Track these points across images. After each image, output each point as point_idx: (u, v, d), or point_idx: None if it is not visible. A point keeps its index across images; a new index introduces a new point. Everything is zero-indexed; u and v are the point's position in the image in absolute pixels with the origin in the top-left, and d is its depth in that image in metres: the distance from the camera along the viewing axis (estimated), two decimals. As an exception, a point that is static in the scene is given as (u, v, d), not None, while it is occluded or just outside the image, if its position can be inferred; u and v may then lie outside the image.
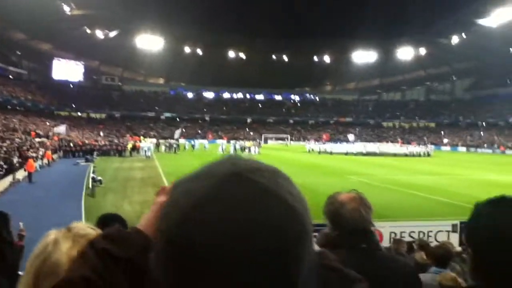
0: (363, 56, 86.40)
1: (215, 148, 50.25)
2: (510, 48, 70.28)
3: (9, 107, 55.23)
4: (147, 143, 49.03)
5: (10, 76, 65.67)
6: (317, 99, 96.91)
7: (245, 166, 0.58)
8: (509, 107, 74.17)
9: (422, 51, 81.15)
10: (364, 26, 64.72)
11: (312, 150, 52.20)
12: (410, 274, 2.02)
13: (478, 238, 1.28)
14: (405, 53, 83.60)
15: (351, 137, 74.25)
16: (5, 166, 23.24)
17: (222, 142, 57.75)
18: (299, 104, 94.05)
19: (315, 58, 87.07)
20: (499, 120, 73.90)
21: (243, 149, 51.26)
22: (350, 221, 1.92)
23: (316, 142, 61.23)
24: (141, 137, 60.99)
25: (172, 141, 55.24)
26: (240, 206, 0.52)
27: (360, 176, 26.05)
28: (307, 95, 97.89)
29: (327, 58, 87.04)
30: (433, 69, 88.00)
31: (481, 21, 65.85)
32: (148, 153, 42.13)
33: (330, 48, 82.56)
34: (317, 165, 34.06)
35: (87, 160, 35.09)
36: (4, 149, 28.23)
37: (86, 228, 1.18)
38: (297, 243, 0.53)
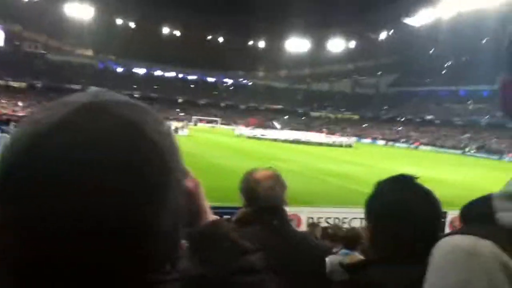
0: (297, 44, 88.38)
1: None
2: (431, 49, 75.24)
3: None
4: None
5: None
6: (249, 84, 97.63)
7: (109, 97, 0.52)
8: (426, 104, 79.60)
9: (352, 44, 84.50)
10: (300, 14, 66.06)
11: (241, 134, 52.84)
12: (316, 251, 2.10)
13: (377, 213, 1.43)
14: (336, 44, 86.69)
15: (277, 124, 75.72)
16: None
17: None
18: (231, 88, 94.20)
19: (250, 42, 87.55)
20: (416, 117, 79.00)
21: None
22: (264, 198, 1.96)
23: (246, 127, 61.96)
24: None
25: None
26: (95, 137, 0.45)
27: (285, 162, 26.97)
28: (240, 79, 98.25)
29: (262, 43, 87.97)
30: (360, 63, 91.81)
31: (407, 20, 69.81)
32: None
33: (266, 33, 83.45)
34: (244, 150, 34.66)
35: (2, 131, 32.88)
36: None
37: None
38: (156, 185, 0.47)
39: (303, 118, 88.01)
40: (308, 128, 77.28)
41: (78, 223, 0.43)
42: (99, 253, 0.44)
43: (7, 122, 37.48)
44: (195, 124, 67.32)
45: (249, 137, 50.32)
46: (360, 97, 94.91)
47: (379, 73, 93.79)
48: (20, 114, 44.57)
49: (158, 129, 0.51)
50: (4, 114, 41.81)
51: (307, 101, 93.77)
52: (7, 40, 74.68)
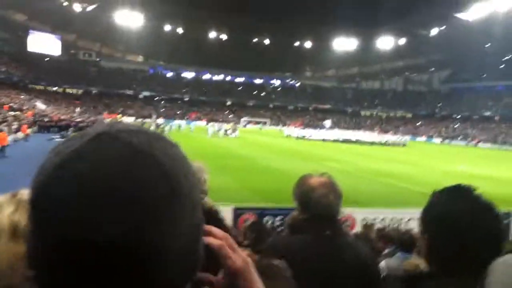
0: (344, 43, 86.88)
1: (199, 131, 50.02)
2: (485, 44, 71.70)
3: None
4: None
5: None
6: (297, 85, 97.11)
7: (122, 127, 0.54)
8: (483, 101, 75.96)
9: (402, 41, 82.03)
10: (346, 13, 64.89)
11: (290, 135, 52.53)
12: (369, 262, 2.04)
13: (433, 224, 1.35)
14: (385, 42, 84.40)
15: (327, 123, 74.70)
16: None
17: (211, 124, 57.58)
18: (279, 89, 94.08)
19: (296, 43, 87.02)
20: (474, 113, 75.57)
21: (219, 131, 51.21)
22: (318, 207, 1.93)
23: (295, 128, 61.61)
24: (119, 115, 60.18)
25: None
26: (105, 163, 0.48)
27: (336, 163, 26.41)
28: (287, 80, 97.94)
29: (308, 44, 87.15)
30: (411, 60, 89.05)
31: (459, 15, 66.90)
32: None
33: (312, 33, 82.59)
34: (294, 151, 34.32)
35: (62, 136, 34.52)
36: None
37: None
38: (166, 204, 0.49)
39: (353, 117, 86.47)
40: (358, 127, 75.84)
41: (89, 245, 0.46)
42: (108, 272, 0.46)
43: (66, 127, 39.67)
44: (244, 126, 67.65)
45: (298, 138, 49.93)
46: (412, 94, 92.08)
47: (432, 69, 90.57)
48: (78, 119, 46.56)
49: (169, 154, 0.53)
50: (64, 120, 43.96)
51: (357, 100, 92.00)
52: (63, 49, 78.44)
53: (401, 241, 4.95)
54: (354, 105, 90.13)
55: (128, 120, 55.93)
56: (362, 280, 1.92)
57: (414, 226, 11.02)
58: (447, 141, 66.55)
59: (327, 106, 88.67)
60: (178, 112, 77.52)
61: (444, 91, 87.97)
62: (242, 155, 27.92)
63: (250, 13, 74.43)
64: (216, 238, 0.61)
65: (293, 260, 1.30)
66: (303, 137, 50.23)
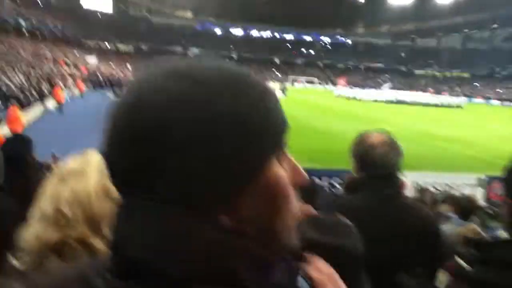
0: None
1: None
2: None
3: (38, 34, 55.40)
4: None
5: (40, 3, 65.30)
6: (348, 42, 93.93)
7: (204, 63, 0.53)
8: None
9: (462, -5, 76.85)
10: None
11: (340, 95, 51.30)
12: (431, 223, 1.96)
13: None
14: (444, -4, 79.39)
15: (388, 85, 71.47)
16: (35, 94, 23.66)
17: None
18: (329, 47, 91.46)
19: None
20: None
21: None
22: (378, 165, 1.84)
23: (345, 87, 60.07)
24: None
25: None
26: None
27: (388, 125, 25.60)
28: (338, 37, 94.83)
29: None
30: (472, 15, 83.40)
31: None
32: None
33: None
34: (344, 111, 33.60)
35: (115, 93, 35.40)
36: (34, 77, 28.65)
37: (99, 157, 1.12)
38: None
39: (406, 77, 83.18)
40: (412, 87, 72.99)
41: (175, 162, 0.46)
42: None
43: (119, 84, 40.61)
44: (292, 84, 66.66)
45: (348, 98, 48.71)
46: (471, 53, 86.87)
47: (494, 26, 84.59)
48: (130, 76, 47.53)
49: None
50: (117, 76, 45.05)
51: (411, 58, 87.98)
52: (114, 5, 79.46)
53: (459, 206, 4.70)
54: (408, 64, 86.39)
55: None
56: (424, 241, 1.85)
57: (467, 192, 10.59)
58: (506, 103, 62.86)
59: (380, 65, 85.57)
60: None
61: (507, 50, 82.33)
62: (289, 115, 27.61)
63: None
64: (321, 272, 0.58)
65: (350, 220, 1.22)
66: (353, 97, 48.96)
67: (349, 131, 22.12)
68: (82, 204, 1.02)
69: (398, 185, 1.94)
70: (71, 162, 1.10)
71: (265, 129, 0.49)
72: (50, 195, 1.04)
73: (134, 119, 0.46)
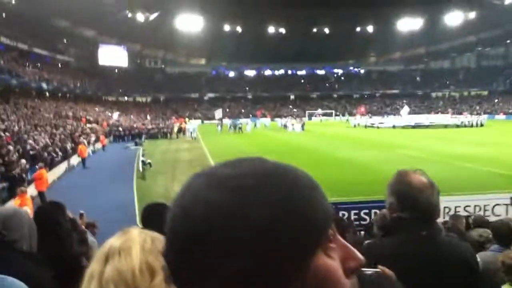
0: (408, 24, 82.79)
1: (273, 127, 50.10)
2: None
3: (59, 94, 57.43)
4: (192, 125, 49.66)
5: (59, 64, 68.03)
6: (361, 72, 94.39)
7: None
8: None
9: (472, 14, 76.73)
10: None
11: (358, 124, 51.16)
12: (470, 259, 1.92)
13: None
14: (453, 18, 79.37)
15: (405, 110, 70.79)
16: (59, 153, 24.25)
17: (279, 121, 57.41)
18: (342, 78, 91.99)
19: (358, 29, 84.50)
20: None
21: (285, 126, 51.06)
22: (422, 208, 1.84)
23: (362, 116, 59.88)
24: (186, 119, 61.93)
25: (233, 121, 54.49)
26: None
27: (409, 150, 25.27)
28: (351, 68, 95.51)
29: (370, 28, 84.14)
30: (484, 33, 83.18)
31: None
32: (194, 134, 42.70)
33: (373, 17, 79.65)
34: (363, 139, 33.37)
35: (136, 144, 36.09)
36: (58, 136, 29.46)
37: (140, 233, 1.17)
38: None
39: (423, 100, 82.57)
40: (430, 110, 72.34)
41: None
42: None
43: (139, 135, 41.48)
44: (310, 118, 66.84)
45: (367, 126, 48.52)
46: (487, 70, 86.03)
47: (508, 41, 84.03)
48: (149, 127, 48.49)
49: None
50: (136, 128, 46.04)
51: (426, 81, 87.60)
52: (130, 59, 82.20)
53: (497, 232, 4.49)
54: (424, 87, 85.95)
55: (195, 122, 57.30)
56: (465, 279, 1.83)
57: (502, 212, 10.20)
58: (530, 117, 61.54)
59: (395, 91, 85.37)
60: (242, 111, 78.38)
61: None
62: (310, 148, 27.54)
63: (307, 4, 73.37)
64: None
65: (391, 265, 1.21)
66: (372, 125, 48.71)
67: (369, 160, 22.05)
68: (126, 283, 1.03)
69: (437, 226, 1.96)
70: (114, 240, 1.13)
71: (308, 229, 0.51)
72: (95, 275, 1.07)
73: (179, 228, 0.52)
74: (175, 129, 46.60)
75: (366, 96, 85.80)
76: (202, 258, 0.50)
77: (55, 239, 2.59)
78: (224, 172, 0.55)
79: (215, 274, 0.50)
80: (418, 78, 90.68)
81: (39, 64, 57.91)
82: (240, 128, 48.71)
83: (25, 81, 47.41)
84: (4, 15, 57.84)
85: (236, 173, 0.54)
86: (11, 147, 19.43)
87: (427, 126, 45.58)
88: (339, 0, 73.00)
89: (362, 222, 9.70)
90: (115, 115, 53.56)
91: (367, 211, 10.18)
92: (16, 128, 27.37)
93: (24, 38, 57.87)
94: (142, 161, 22.19)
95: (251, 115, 72.21)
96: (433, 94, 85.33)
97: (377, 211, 10.40)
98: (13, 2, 56.11)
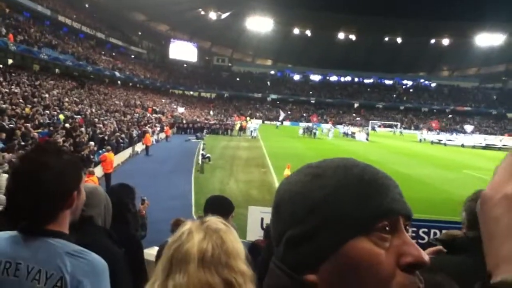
0: (488, 39, 78.34)
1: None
2: None
3: (130, 84, 59.91)
4: (253, 124, 49.83)
5: (132, 55, 71.01)
6: (432, 85, 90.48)
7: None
8: None
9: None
10: (491, 6, 58.58)
11: (424, 140, 48.98)
12: None
13: None
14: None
15: (469, 128, 68.08)
16: (125, 139, 25.14)
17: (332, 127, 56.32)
18: (411, 90, 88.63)
19: (432, 41, 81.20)
20: None
21: (346, 134, 49.93)
22: None
23: (429, 132, 57.40)
24: (247, 117, 62.39)
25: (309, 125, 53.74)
26: None
27: (479, 171, 23.70)
28: (421, 80, 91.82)
29: (445, 41, 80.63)
30: None
31: None
32: (254, 134, 42.85)
33: (449, 30, 76.26)
34: (429, 156, 31.84)
35: (197, 138, 36.75)
36: (126, 123, 30.62)
37: (218, 222, 1.25)
38: None
39: (498, 120, 77.74)
40: (503, 131, 67.97)
41: None
42: None
43: (201, 129, 42.24)
44: (373, 129, 65.00)
45: (433, 143, 46.36)
46: None
47: None
48: (212, 121, 49.29)
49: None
50: (199, 122, 46.95)
51: (503, 101, 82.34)
52: (199, 55, 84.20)
53: None
54: (500, 107, 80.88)
55: (256, 122, 57.51)
56: None
57: None
58: None
59: (467, 108, 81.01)
60: (304, 115, 77.80)
61: None
62: (372, 160, 26.64)
63: (381, 12, 71.47)
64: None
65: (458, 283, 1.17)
66: (439, 142, 46.49)
67: (433, 177, 20.89)
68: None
69: None
70: (177, 245, 1.19)
71: (348, 213, 0.61)
72: (155, 286, 1.16)
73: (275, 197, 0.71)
74: (236, 127, 46.95)
75: (435, 110, 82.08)
76: (275, 224, 0.68)
77: (123, 221, 2.64)
78: (314, 163, 0.69)
79: (281, 236, 0.65)
80: (493, 97, 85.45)
81: (113, 54, 60.70)
82: (315, 133, 46.49)
83: (100, 69, 49.85)
84: (87, 5, 61.28)
85: (317, 164, 0.69)
86: (82, 129, 20.35)
87: (499, 148, 42.72)
88: (416, 10, 70.55)
89: (420, 241, 9.14)
90: (180, 109, 54.97)
91: (426, 230, 9.85)
92: (88, 112, 28.72)
93: (102, 28, 60.92)
94: (202, 155, 22.47)
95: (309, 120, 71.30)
96: (509, 115, 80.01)
97: (437, 231, 9.87)
98: (96, -7, 59.35)
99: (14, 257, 1.39)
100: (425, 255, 0.62)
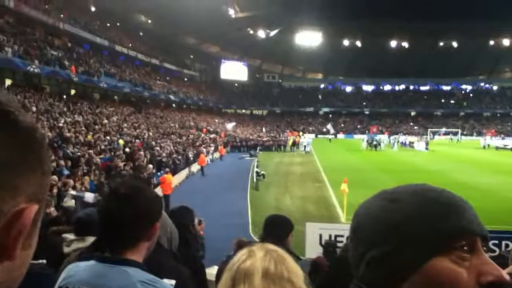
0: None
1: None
2: None
3: (184, 106, 61.67)
4: (306, 138, 49.50)
5: (185, 78, 73.20)
6: (494, 88, 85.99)
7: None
8: None
9: None
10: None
11: (488, 146, 46.44)
12: None
13: None
14: None
15: None
16: (182, 160, 25.77)
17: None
18: (471, 95, 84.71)
19: (491, 42, 77.42)
20: None
21: (404, 144, 48.35)
22: None
23: (493, 137, 54.37)
24: (300, 132, 62.11)
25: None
26: None
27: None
28: (481, 83, 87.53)
29: (506, 41, 76.62)
30: None
31: None
32: (308, 148, 42.54)
33: (510, 29, 72.39)
34: (495, 163, 30.08)
35: (251, 155, 36.98)
36: (182, 144, 31.44)
37: (274, 246, 1.30)
38: None
39: None
40: None
41: None
42: None
43: (254, 147, 42.54)
44: (433, 137, 62.54)
45: (498, 148, 43.85)
46: None
47: None
48: (264, 139, 49.51)
49: None
50: (252, 139, 47.32)
51: None
52: (249, 74, 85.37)
53: None
54: None
55: (309, 136, 57.06)
56: None
57: None
58: None
59: (534, 111, 76.14)
60: (358, 126, 76.40)
61: None
62: (432, 170, 25.55)
63: (433, 17, 69.24)
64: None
65: None
66: (504, 147, 43.91)
67: (500, 186, 19.62)
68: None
69: None
70: (240, 263, 1.24)
71: (426, 233, 0.64)
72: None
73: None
74: (289, 142, 46.85)
75: (498, 114, 77.81)
76: (355, 246, 0.71)
77: (184, 243, 2.69)
78: (389, 189, 0.73)
79: (362, 258, 0.68)
80: None
81: (168, 78, 62.89)
82: (375, 145, 43.46)
83: (155, 93, 51.78)
84: (141, 33, 64.08)
85: (393, 190, 0.72)
86: (141, 153, 21.09)
87: None
88: (471, 12, 67.72)
89: (491, 254, 8.60)
90: (229, 125, 55.74)
91: (496, 242, 9.36)
92: (146, 135, 29.78)
93: (156, 54, 63.37)
94: (256, 172, 22.55)
95: (367, 131, 69.68)
96: None
97: (509, 242, 9.26)
98: (149, 21, 61.90)
99: (91, 285, 1.47)
100: (505, 274, 0.63)
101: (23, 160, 0.42)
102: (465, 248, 0.63)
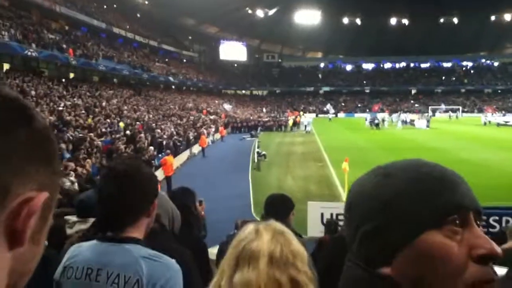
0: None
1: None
2: None
3: (184, 88, 61.40)
4: (307, 118, 49.43)
5: (184, 60, 72.70)
6: (495, 64, 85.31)
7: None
8: None
9: None
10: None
11: (489, 122, 46.32)
12: None
13: None
14: None
15: None
16: (183, 142, 25.80)
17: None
18: (472, 71, 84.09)
19: (492, 17, 76.44)
20: None
21: (405, 122, 48.22)
22: None
23: (495, 114, 54.17)
24: (301, 112, 61.90)
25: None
26: None
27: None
28: (482, 60, 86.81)
29: (508, 17, 75.63)
30: None
31: None
32: (308, 128, 42.50)
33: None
34: (496, 140, 30.05)
35: (252, 136, 37.00)
36: (182, 126, 31.41)
37: (282, 226, 1.30)
38: None
39: None
40: None
41: None
42: None
43: (255, 127, 42.52)
44: (433, 114, 62.33)
45: (499, 125, 43.76)
46: None
47: None
48: (264, 119, 49.45)
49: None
50: (252, 120, 47.26)
51: None
52: (249, 54, 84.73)
53: None
54: None
55: (310, 116, 56.97)
56: None
57: None
58: None
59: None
60: (359, 105, 76.13)
61: None
62: (436, 148, 25.54)
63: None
64: None
65: None
66: (505, 124, 43.80)
67: (502, 162, 19.62)
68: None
69: None
70: (245, 242, 1.24)
71: (419, 209, 0.65)
72: (224, 277, 1.21)
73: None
74: (290, 122, 46.79)
75: (499, 91, 77.35)
76: (349, 222, 0.72)
77: (187, 224, 2.71)
78: (383, 165, 0.74)
79: (356, 233, 0.69)
80: None
81: (166, 60, 62.45)
82: (377, 124, 42.86)
83: (155, 75, 51.49)
84: (138, 15, 63.44)
85: (387, 165, 0.73)
86: (142, 135, 21.09)
87: None
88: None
89: (491, 230, 8.72)
90: (227, 106, 55.68)
91: (497, 218, 9.46)
92: (146, 118, 29.74)
93: (155, 36, 62.80)
94: (257, 153, 22.59)
95: (367, 110, 69.39)
96: None
97: (510, 218, 9.32)
98: (146, 2, 61.20)
99: (95, 264, 1.53)
100: (498, 248, 0.63)
101: (36, 154, 0.44)
102: (457, 222, 0.64)
